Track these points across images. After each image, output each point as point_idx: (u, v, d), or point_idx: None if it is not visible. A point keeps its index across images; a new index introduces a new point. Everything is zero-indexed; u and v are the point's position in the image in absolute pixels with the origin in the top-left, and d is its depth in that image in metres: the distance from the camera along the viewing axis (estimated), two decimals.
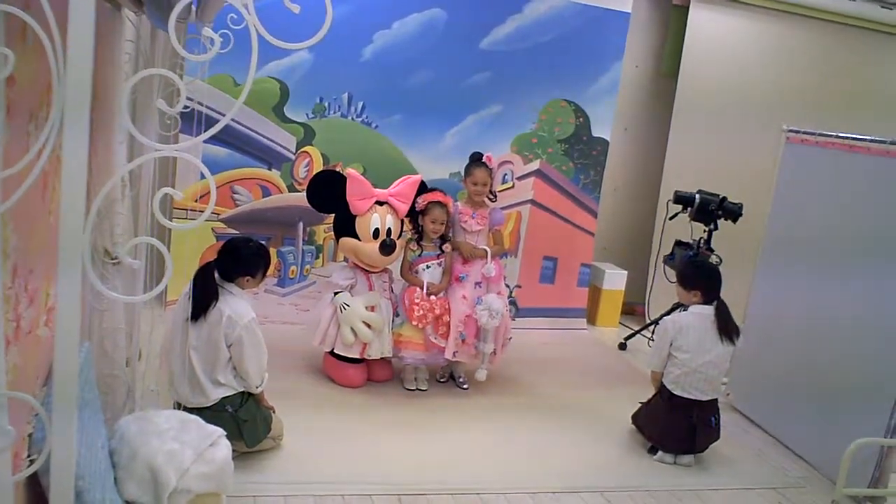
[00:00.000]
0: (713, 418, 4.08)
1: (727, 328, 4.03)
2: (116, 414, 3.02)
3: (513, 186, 6.00)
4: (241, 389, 3.47)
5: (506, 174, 5.97)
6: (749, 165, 6.28)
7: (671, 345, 4.04)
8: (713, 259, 5.37)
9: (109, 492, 2.43)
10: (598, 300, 6.48)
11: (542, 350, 5.70)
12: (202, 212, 5.56)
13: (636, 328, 6.19)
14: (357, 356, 4.50)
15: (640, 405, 4.31)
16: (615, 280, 6.50)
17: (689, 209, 5.50)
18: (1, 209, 1.04)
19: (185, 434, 2.78)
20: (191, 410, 3.23)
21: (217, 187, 5.34)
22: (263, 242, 3.75)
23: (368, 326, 4.41)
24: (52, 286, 2.21)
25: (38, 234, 2.00)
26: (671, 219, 5.65)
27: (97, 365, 2.97)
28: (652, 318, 5.95)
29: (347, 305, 4.40)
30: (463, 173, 4.72)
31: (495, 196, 4.75)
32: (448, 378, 4.84)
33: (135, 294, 3.08)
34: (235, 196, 5.43)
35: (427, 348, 4.55)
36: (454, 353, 4.56)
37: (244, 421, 3.44)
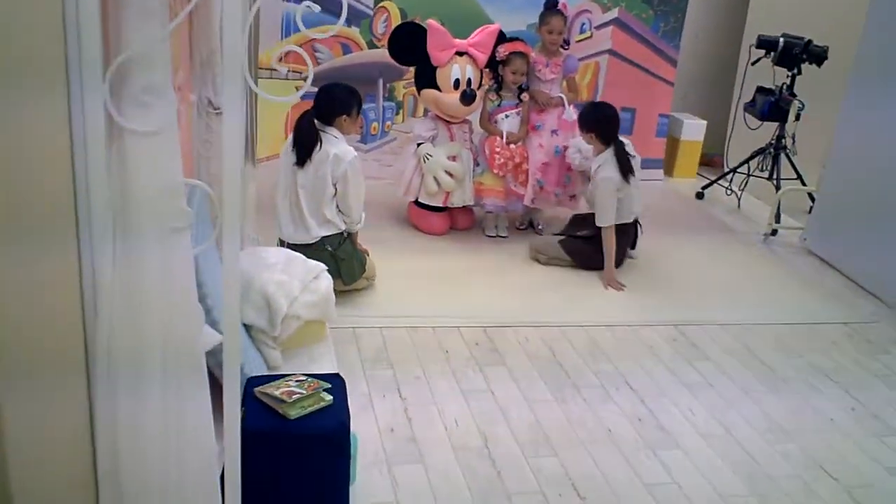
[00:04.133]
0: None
1: (627, 167, 4.32)
2: None
3: (591, 36, 5.94)
4: (342, 229, 3.77)
5: (584, 23, 5.91)
6: (837, 5, 6.04)
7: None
8: (795, 104, 5.30)
9: None
10: (676, 151, 6.47)
11: None
12: (287, 71, 5.72)
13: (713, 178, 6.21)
14: (440, 205, 4.71)
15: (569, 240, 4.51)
16: (694, 130, 6.46)
17: (772, 54, 5.39)
18: (169, 27, 1.21)
19: (291, 267, 3.06)
20: (294, 247, 3.53)
21: (299, 46, 5.50)
22: None
23: (451, 176, 4.59)
24: None
25: None
26: (753, 64, 5.55)
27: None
28: (730, 167, 5.96)
29: (430, 156, 4.57)
30: (538, 21, 4.73)
31: (568, 44, 4.77)
32: (527, 225, 5.02)
33: None
34: (317, 55, 5.55)
35: (507, 196, 4.73)
36: (532, 200, 4.72)
37: (342, 259, 3.74)
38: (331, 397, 2.11)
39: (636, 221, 4.55)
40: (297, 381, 2.12)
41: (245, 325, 2.88)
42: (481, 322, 3.77)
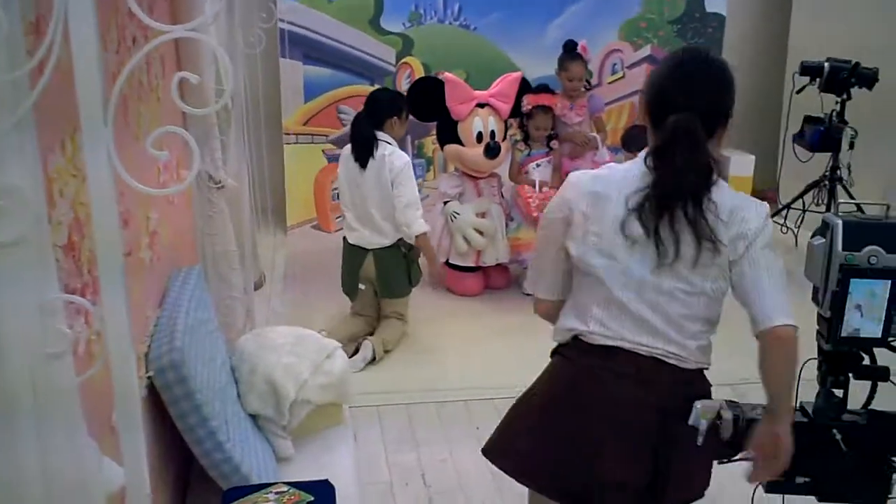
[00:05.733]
0: None
1: None
2: (237, 335, 3.12)
3: (623, 76, 5.72)
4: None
5: (615, 63, 5.68)
6: (885, 23, 5.70)
7: None
8: (847, 132, 4.96)
9: (231, 405, 2.52)
10: None
11: None
12: (309, 135, 5.63)
13: None
14: (472, 264, 4.47)
15: None
16: (742, 166, 6.13)
17: (817, 80, 5.08)
18: (14, 118, 1.01)
19: (300, 348, 2.84)
20: (371, 251, 3.74)
21: (323, 109, 5.38)
22: None
23: (480, 233, 4.36)
24: (151, 210, 2.26)
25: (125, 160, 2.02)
26: (798, 92, 5.23)
27: (215, 289, 3.07)
28: (784, 203, 5.61)
29: (457, 214, 4.36)
30: (557, 66, 4.53)
31: (590, 84, 4.58)
32: None
33: (242, 216, 3.14)
34: (342, 116, 5.42)
35: None
36: None
37: (412, 262, 3.87)
38: None
39: None
40: (277, 492, 1.88)
41: (251, 415, 2.67)
42: (519, 392, 3.47)
